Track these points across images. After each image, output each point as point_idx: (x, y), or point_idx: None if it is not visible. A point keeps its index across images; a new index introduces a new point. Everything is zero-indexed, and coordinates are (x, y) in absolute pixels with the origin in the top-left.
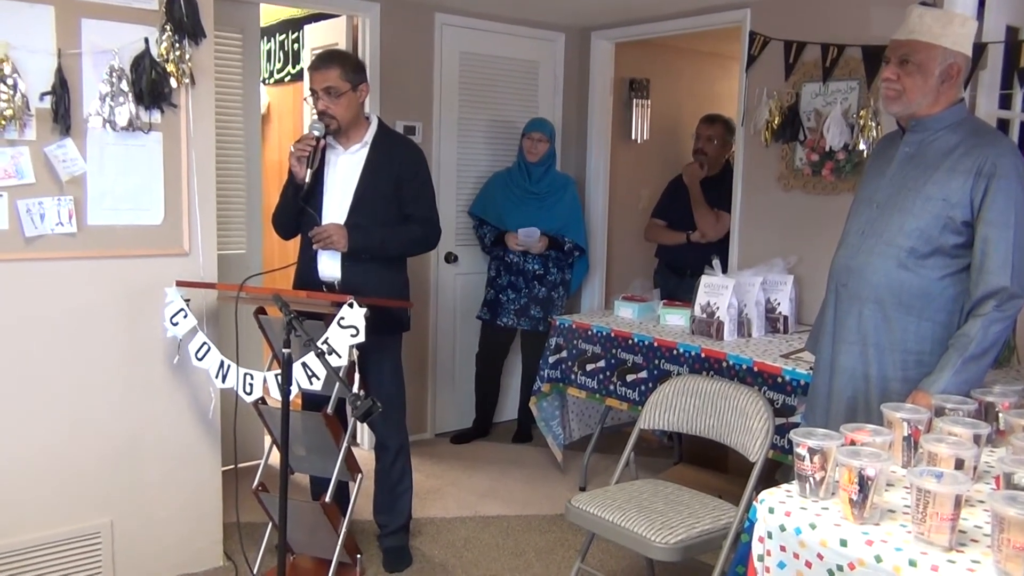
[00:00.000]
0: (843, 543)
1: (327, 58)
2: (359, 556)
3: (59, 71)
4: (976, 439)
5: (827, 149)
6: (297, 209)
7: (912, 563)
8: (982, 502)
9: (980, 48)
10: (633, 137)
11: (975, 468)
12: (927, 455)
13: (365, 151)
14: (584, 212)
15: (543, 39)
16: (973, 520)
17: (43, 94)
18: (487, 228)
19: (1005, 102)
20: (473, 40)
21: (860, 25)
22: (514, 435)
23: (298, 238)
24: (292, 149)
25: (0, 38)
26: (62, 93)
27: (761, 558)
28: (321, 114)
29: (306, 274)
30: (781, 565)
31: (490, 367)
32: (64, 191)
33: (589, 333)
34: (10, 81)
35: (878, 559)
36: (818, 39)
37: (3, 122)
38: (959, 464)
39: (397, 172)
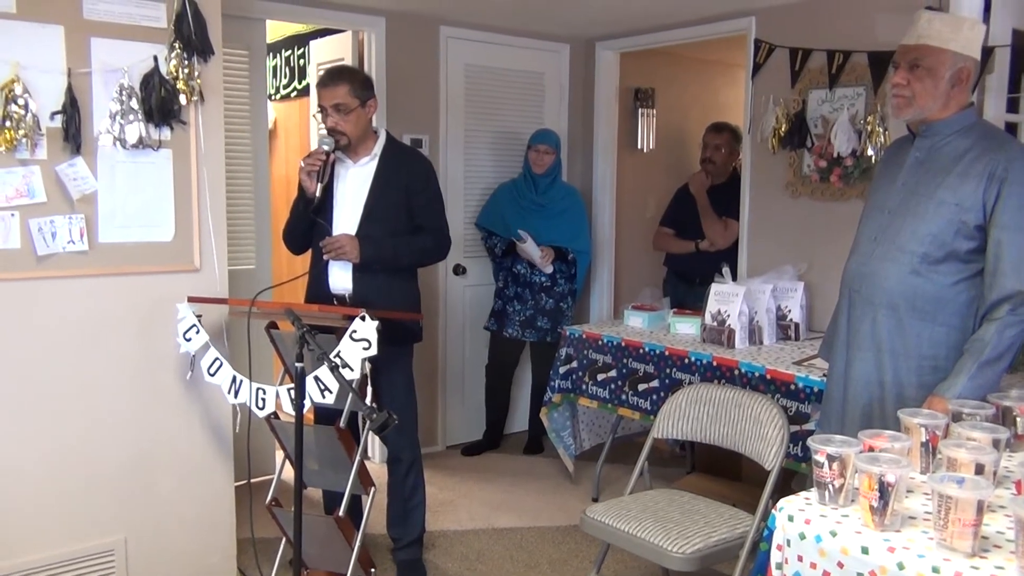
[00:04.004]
0: (864, 551)
1: (335, 75)
2: (373, 570)
3: (69, 90)
4: (995, 444)
5: (835, 155)
6: (308, 223)
7: (935, 570)
8: (1003, 507)
9: (987, 52)
10: (639, 146)
11: (995, 473)
12: (947, 460)
13: (374, 163)
14: (591, 222)
15: (548, 50)
16: (995, 526)
17: (54, 113)
18: (497, 238)
19: (1013, 105)
20: (478, 52)
21: (865, 31)
22: (525, 446)
23: (308, 252)
24: (302, 164)
25: (10, 58)
26: (72, 112)
27: (779, 566)
28: (330, 131)
29: (317, 287)
30: (798, 575)
31: (500, 378)
32: (75, 209)
33: (600, 343)
34: (21, 101)
35: (900, 566)
36: (823, 46)
37: (14, 142)
38: (979, 469)
39: (406, 183)
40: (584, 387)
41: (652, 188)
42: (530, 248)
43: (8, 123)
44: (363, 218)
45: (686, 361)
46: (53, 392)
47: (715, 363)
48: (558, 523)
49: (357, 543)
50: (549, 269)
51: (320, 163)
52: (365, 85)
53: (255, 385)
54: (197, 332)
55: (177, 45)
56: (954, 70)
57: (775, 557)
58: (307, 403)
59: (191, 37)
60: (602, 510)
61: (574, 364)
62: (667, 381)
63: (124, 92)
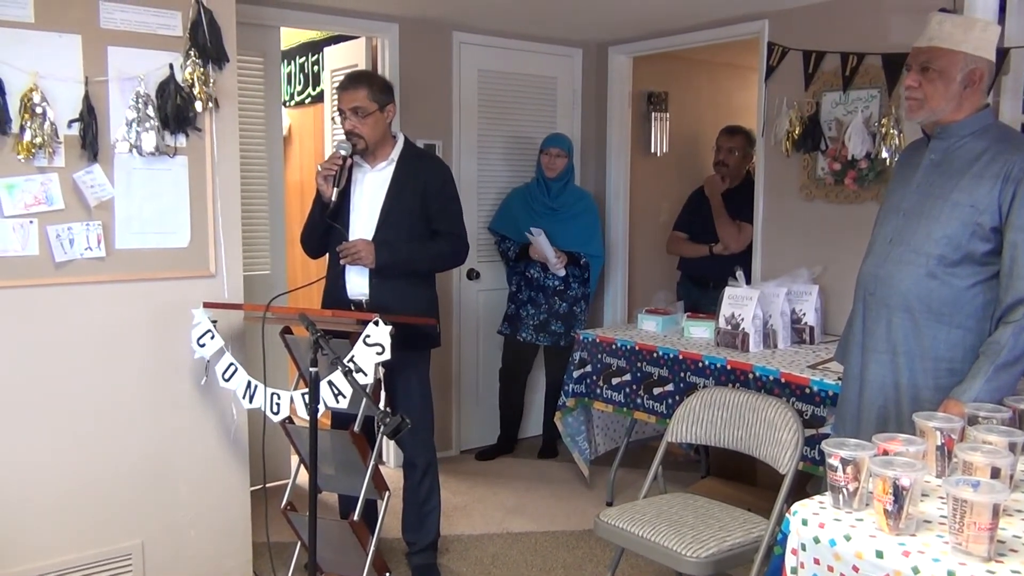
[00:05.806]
0: (879, 554)
1: (355, 79)
2: (388, 574)
3: (87, 98)
4: (1011, 447)
5: (849, 158)
6: (324, 227)
7: (950, 574)
8: (1019, 511)
9: (1003, 53)
10: (652, 150)
11: (1011, 477)
12: (962, 464)
13: (391, 168)
14: (604, 226)
15: (560, 55)
16: (1011, 530)
17: (71, 121)
18: (510, 242)
19: None
20: (491, 57)
21: (879, 33)
22: (539, 451)
23: (326, 257)
24: (319, 168)
25: (29, 67)
26: (90, 120)
27: (795, 571)
28: (348, 134)
29: (334, 292)
30: None
31: (514, 383)
32: (93, 216)
33: (613, 347)
34: (39, 109)
35: (915, 570)
36: (837, 48)
37: (33, 150)
38: (995, 473)
39: (423, 188)
40: (598, 391)
41: (665, 192)
42: (543, 245)
43: (26, 131)
44: (380, 223)
45: (700, 365)
46: (70, 397)
47: (729, 367)
48: (572, 527)
49: (372, 547)
50: (562, 272)
51: (337, 167)
52: (384, 89)
53: (270, 390)
54: (212, 337)
55: (192, 53)
56: (966, 72)
57: (790, 561)
58: (322, 407)
59: (206, 45)
60: (616, 514)
61: (588, 368)
62: (681, 385)
63: (140, 100)
